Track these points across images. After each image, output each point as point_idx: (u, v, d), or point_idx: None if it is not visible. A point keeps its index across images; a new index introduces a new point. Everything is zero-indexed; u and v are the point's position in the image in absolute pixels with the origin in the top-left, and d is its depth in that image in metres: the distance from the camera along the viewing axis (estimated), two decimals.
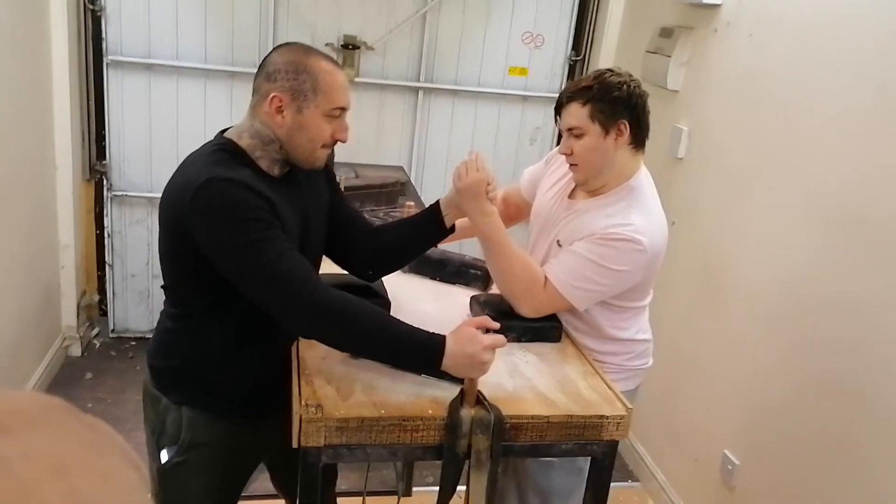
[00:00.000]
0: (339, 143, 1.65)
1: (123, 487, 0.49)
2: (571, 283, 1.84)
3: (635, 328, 2.03)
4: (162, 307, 1.76)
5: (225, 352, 1.68)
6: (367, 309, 1.56)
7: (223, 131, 1.67)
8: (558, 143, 3.95)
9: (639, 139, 1.90)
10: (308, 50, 1.61)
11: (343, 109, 1.62)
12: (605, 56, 3.88)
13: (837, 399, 2.20)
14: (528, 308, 1.88)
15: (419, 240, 1.93)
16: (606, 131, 1.84)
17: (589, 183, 1.94)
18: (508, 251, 1.86)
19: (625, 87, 1.84)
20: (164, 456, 1.72)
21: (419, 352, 1.54)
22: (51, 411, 0.50)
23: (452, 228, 1.88)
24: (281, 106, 1.56)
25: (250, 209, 1.49)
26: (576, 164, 1.91)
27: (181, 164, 1.61)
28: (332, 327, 1.55)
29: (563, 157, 1.96)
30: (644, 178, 1.95)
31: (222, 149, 1.59)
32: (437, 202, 1.88)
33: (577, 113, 1.85)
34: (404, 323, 1.56)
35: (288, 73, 1.55)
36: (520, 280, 1.87)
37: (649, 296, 2.06)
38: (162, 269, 1.69)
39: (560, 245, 1.96)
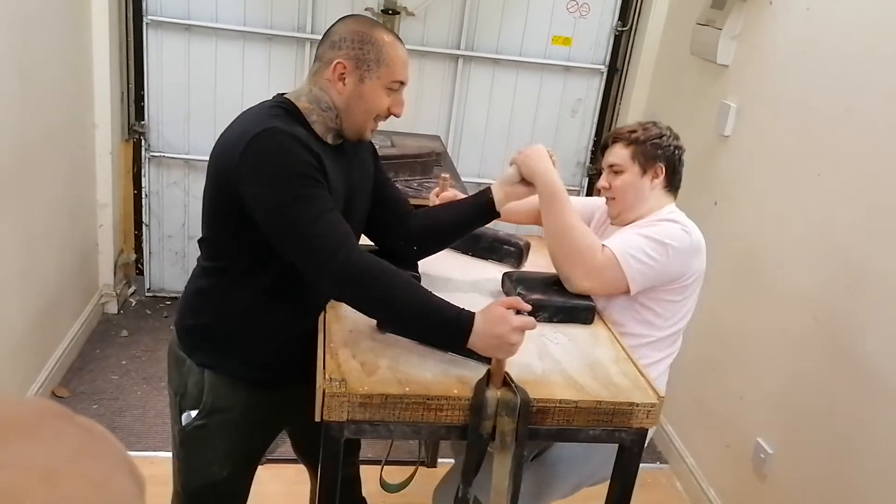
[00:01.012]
0: (392, 116, 1.67)
1: (115, 494, 0.49)
2: (628, 252, 1.85)
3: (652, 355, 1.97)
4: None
5: (255, 311, 1.68)
6: (400, 278, 1.54)
7: (281, 94, 1.69)
8: (601, 115, 3.98)
9: (672, 185, 2.05)
10: (374, 23, 1.65)
11: (402, 84, 1.65)
12: (654, 27, 3.77)
13: (879, 394, 2.13)
14: (582, 272, 1.86)
15: (467, 221, 1.92)
16: (644, 171, 2.00)
17: (622, 217, 2.04)
18: (571, 211, 1.89)
19: (664, 137, 2.02)
20: (186, 418, 1.73)
21: (447, 327, 1.52)
22: (45, 417, 0.51)
23: (498, 214, 1.89)
24: (343, 73, 1.59)
25: (300, 163, 1.50)
26: (613, 198, 2.04)
27: (237, 118, 1.63)
28: (363, 292, 1.53)
29: (604, 203, 2.12)
30: (677, 210, 2.03)
31: (280, 106, 1.61)
32: (488, 186, 1.89)
33: (620, 152, 2.02)
34: (436, 296, 1.53)
35: (353, 42, 1.58)
36: (578, 240, 1.86)
37: (680, 324, 1.99)
38: (203, 222, 1.70)
39: None
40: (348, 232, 1.55)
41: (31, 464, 0.45)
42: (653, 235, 1.87)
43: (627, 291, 1.87)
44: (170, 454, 1.86)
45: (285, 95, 1.66)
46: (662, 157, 2.00)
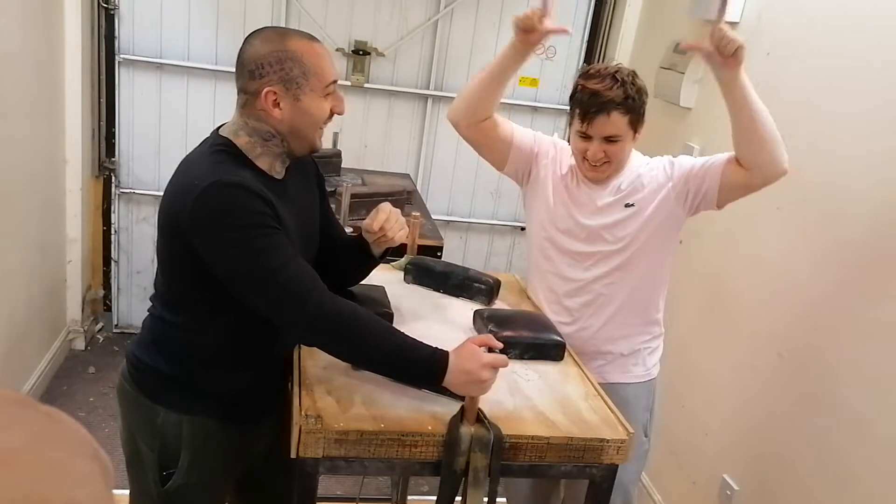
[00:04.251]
0: (336, 115, 1.62)
1: (72, 478, 0.49)
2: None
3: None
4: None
5: (226, 351, 1.65)
6: (372, 321, 1.55)
7: (218, 128, 1.64)
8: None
9: None
10: (282, 33, 1.58)
11: (335, 82, 1.58)
12: None
13: (843, 428, 2.18)
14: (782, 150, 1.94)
15: (354, 265, 1.89)
16: (635, 133, 2.00)
17: (609, 177, 2.07)
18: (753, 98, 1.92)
19: (643, 89, 1.98)
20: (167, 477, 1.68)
21: (422, 366, 1.53)
22: (3, 404, 0.51)
23: (382, 256, 1.87)
24: (276, 99, 1.53)
25: (253, 214, 1.46)
26: (607, 162, 2.01)
27: (180, 166, 1.58)
28: (336, 339, 1.53)
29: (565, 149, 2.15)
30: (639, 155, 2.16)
31: (222, 150, 1.56)
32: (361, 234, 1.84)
33: (619, 122, 1.94)
34: (408, 337, 1.54)
35: (272, 65, 1.51)
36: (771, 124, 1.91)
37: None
38: (162, 275, 1.65)
39: (632, 205, 2.05)
40: (314, 276, 1.53)
41: None
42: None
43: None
44: None
45: (222, 132, 1.60)
46: (644, 111, 2.00)
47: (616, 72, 1.95)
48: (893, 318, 2.05)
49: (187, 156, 1.60)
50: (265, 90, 1.52)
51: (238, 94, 1.58)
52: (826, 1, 2.43)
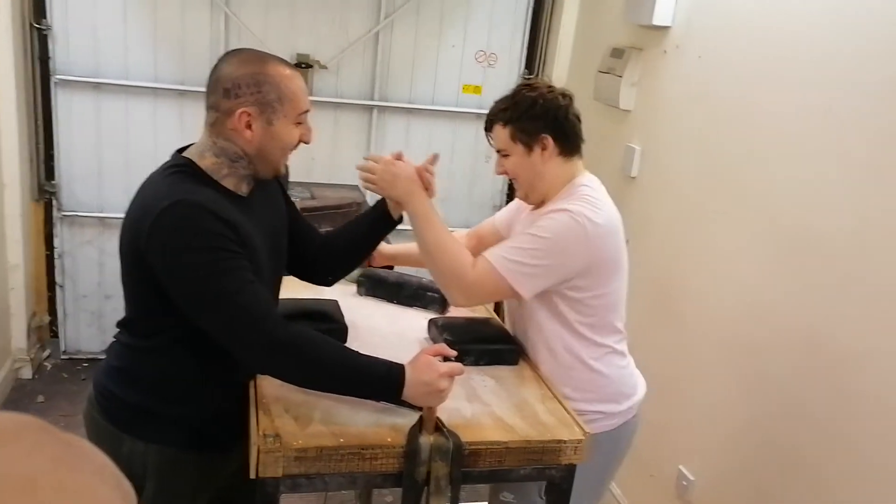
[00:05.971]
0: (302, 144, 1.64)
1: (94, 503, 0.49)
2: (506, 257, 1.76)
3: (602, 359, 1.93)
4: (114, 331, 1.70)
5: (193, 377, 1.63)
6: (325, 345, 1.54)
7: (180, 150, 1.62)
8: None
9: (568, 148, 1.88)
10: (261, 57, 1.58)
11: (307, 112, 1.61)
12: (558, 75, 3.93)
13: (792, 417, 2.24)
14: (456, 291, 1.80)
15: (370, 235, 1.97)
16: (530, 149, 1.85)
17: (529, 198, 1.95)
18: (439, 228, 1.81)
19: (539, 101, 1.83)
20: None
21: (379, 384, 1.54)
22: (24, 429, 0.51)
23: (401, 219, 1.92)
24: (249, 121, 1.53)
25: (214, 237, 1.45)
26: (516, 180, 1.93)
27: (140, 188, 1.57)
28: (291, 362, 1.52)
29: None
30: (586, 179, 1.91)
31: (182, 170, 1.55)
32: (382, 199, 1.92)
33: (500, 135, 1.87)
34: (363, 355, 1.55)
35: (249, 86, 1.51)
36: (447, 259, 1.79)
37: (615, 316, 1.94)
38: (126, 301, 1.64)
39: None
40: (270, 303, 1.54)
41: (8, 473, 0.45)
42: (538, 233, 1.77)
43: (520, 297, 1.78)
44: None
45: (186, 154, 1.59)
46: (544, 127, 1.83)
47: (520, 89, 1.90)
48: (827, 310, 2.12)
49: (148, 178, 1.58)
50: (239, 111, 1.52)
51: (208, 111, 1.58)
52: (754, 4, 2.50)
